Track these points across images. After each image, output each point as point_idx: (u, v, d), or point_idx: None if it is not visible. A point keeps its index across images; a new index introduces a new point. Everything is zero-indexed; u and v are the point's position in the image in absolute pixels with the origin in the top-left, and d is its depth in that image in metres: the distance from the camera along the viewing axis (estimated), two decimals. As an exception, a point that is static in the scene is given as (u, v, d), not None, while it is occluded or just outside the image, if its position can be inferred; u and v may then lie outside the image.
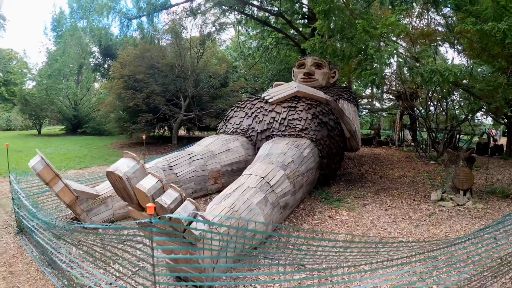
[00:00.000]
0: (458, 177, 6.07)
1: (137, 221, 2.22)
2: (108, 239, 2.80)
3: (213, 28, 12.14)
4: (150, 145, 13.17)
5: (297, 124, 6.90)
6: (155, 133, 14.76)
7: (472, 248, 3.36)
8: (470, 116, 10.67)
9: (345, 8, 5.51)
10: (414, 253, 3.02)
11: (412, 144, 14.59)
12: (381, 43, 5.37)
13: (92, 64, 24.13)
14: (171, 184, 2.40)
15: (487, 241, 3.42)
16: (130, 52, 12.91)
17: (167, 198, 2.28)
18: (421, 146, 12.74)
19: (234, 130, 7.46)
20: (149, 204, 2.05)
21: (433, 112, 11.73)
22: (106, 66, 21.42)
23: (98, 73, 24.51)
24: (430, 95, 11.32)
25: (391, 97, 17.20)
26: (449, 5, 5.24)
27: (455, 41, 8.84)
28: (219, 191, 6.44)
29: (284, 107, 7.20)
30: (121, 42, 14.47)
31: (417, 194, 6.64)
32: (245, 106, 7.76)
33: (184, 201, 2.30)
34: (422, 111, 11.56)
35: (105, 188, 4.66)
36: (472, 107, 9.40)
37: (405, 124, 16.08)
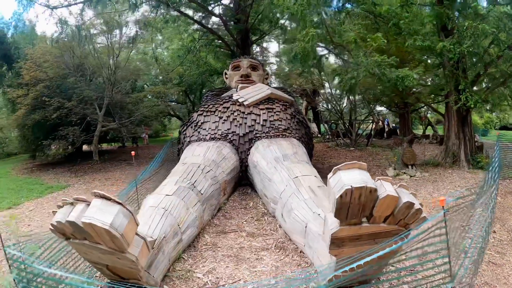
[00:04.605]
0: (406, 156, 7.85)
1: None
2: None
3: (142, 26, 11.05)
4: (68, 166, 10.96)
5: (279, 124, 7.27)
6: (62, 151, 12.27)
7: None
8: (375, 109, 13.43)
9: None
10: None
11: (319, 135, 17.01)
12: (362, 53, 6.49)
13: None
14: (402, 184, 2.50)
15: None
16: (47, 50, 10.28)
17: (407, 197, 2.36)
18: (327, 136, 15.07)
19: (212, 136, 7.21)
20: (442, 198, 2.30)
21: (348, 107, 14.07)
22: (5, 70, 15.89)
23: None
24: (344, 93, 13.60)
25: (295, 94, 19.36)
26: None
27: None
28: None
29: (262, 109, 7.40)
30: (30, 39, 11.33)
31: (376, 174, 8.16)
32: (216, 109, 7.57)
33: None
34: (338, 107, 13.79)
35: (152, 227, 3.41)
36: (381, 101, 11.93)
37: (312, 118, 18.54)
